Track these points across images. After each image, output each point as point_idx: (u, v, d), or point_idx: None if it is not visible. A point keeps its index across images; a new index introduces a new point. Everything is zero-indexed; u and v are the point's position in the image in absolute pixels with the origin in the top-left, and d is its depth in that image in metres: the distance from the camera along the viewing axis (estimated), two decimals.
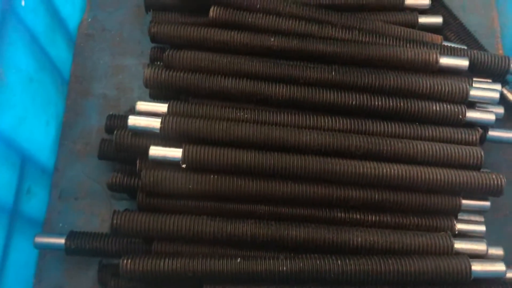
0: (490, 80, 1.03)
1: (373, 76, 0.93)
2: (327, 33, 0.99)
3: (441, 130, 0.92)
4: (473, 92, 0.95)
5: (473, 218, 0.94)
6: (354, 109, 0.91)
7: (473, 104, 0.97)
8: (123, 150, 0.90)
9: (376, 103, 0.91)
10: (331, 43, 0.96)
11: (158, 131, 0.85)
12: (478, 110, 0.95)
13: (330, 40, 0.97)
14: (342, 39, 0.98)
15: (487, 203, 0.92)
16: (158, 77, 0.91)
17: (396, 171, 0.85)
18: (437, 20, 1.12)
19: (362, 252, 0.82)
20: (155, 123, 0.86)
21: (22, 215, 0.92)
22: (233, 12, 0.98)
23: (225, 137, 0.84)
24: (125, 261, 0.79)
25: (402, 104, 0.91)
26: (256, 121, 0.88)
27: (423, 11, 1.12)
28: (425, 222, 0.88)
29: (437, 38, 1.06)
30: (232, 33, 0.96)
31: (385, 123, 0.91)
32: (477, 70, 1.02)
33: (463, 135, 0.92)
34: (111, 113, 1.02)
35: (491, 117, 0.94)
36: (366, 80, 0.92)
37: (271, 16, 0.98)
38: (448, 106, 0.93)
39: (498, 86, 1.00)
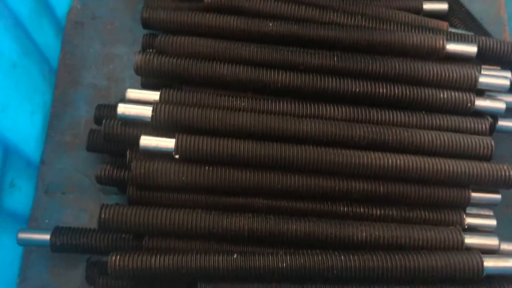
0: (498, 67, 1.00)
1: (378, 62, 0.90)
2: (328, 18, 0.96)
3: (449, 118, 0.89)
4: (482, 79, 0.92)
5: (482, 212, 0.90)
6: (357, 97, 0.88)
7: (482, 92, 0.94)
8: (112, 141, 0.88)
9: (381, 90, 0.88)
10: (332, 28, 0.93)
11: (149, 119, 0.82)
12: (488, 98, 0.92)
13: (332, 25, 0.94)
14: (344, 24, 0.95)
15: (497, 196, 0.89)
16: (150, 64, 0.88)
17: (402, 162, 0.82)
18: (443, 6, 1.09)
19: (367, 248, 0.79)
20: (146, 112, 0.83)
21: (4, 210, 0.88)
22: None
23: (221, 126, 0.82)
24: (113, 258, 0.76)
25: (408, 92, 0.89)
26: (254, 110, 0.86)
27: None
28: (433, 216, 0.85)
29: (443, 24, 1.03)
30: (228, 18, 0.93)
31: (390, 111, 0.88)
32: (485, 57, 0.99)
33: (472, 124, 0.89)
34: (100, 103, 0.98)
35: (501, 105, 0.91)
36: (370, 67, 0.89)
37: (269, 0, 0.95)
38: (456, 93, 0.90)
39: (508, 74, 0.97)
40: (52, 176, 0.99)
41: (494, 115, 0.93)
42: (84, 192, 0.98)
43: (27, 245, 0.90)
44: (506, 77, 0.93)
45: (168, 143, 0.81)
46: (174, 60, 0.88)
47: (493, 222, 0.87)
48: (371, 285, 0.76)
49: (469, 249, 0.80)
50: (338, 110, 0.87)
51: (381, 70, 0.89)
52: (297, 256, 0.75)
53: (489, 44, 0.98)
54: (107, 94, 1.07)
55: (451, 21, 1.09)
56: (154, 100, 0.86)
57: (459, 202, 0.85)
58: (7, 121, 0.88)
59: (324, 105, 0.87)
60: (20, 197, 0.93)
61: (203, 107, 0.84)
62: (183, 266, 0.75)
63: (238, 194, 0.83)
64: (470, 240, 0.81)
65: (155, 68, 0.88)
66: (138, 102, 0.86)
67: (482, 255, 0.77)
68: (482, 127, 0.89)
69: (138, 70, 0.89)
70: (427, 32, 0.96)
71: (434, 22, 1.02)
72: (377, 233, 0.79)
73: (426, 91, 0.89)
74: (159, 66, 0.88)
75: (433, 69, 0.90)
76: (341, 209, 0.84)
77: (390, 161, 0.82)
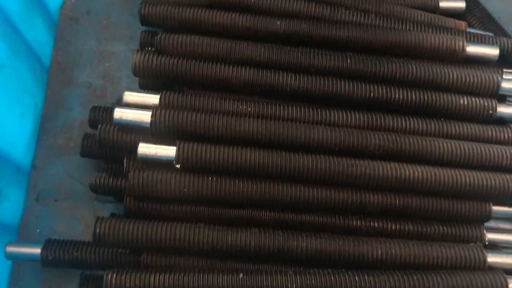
0: None
1: (393, 65, 0.86)
2: (340, 17, 0.91)
3: (469, 126, 0.86)
4: (504, 85, 0.88)
5: (502, 226, 0.87)
6: (372, 103, 0.85)
7: (503, 98, 0.90)
8: (108, 147, 0.85)
9: (397, 95, 0.84)
10: (344, 27, 0.89)
11: (148, 125, 0.79)
12: (510, 105, 0.89)
13: (344, 25, 0.89)
14: (357, 23, 0.91)
15: None
16: (149, 64, 0.85)
17: (420, 174, 0.79)
18: (460, 4, 1.05)
19: (382, 267, 0.75)
20: (144, 117, 0.80)
21: None
22: None
23: (226, 133, 0.79)
24: (109, 276, 0.72)
25: (426, 97, 0.85)
26: (261, 115, 0.82)
27: None
28: (451, 231, 0.81)
29: (461, 24, 0.99)
30: (234, 15, 0.89)
31: (407, 118, 0.85)
32: (507, 59, 0.95)
33: (494, 133, 0.86)
34: (96, 104, 0.95)
35: None
36: (386, 69, 0.86)
37: None
38: (477, 99, 0.86)
39: None
40: (44, 183, 0.96)
41: None
42: (78, 199, 0.95)
43: (16, 259, 0.85)
44: None
45: (168, 151, 0.78)
46: (175, 61, 0.84)
47: None
48: None
49: (492, 268, 0.76)
50: (351, 116, 0.83)
51: (398, 74, 0.85)
52: (307, 276, 0.72)
53: (511, 46, 0.93)
54: (103, 94, 1.04)
55: (468, 21, 1.04)
56: (153, 104, 0.82)
57: (479, 217, 0.82)
58: None
59: (336, 111, 0.84)
60: (9, 206, 0.89)
61: (207, 112, 0.80)
62: (184, 286, 0.71)
63: (244, 207, 0.80)
64: (493, 258, 0.77)
65: (154, 69, 0.85)
66: (136, 106, 0.82)
67: (506, 276, 0.73)
68: (504, 136, 0.85)
69: (137, 71, 0.86)
70: (446, 33, 0.92)
71: (452, 22, 0.98)
72: (393, 251, 0.75)
73: (445, 96, 0.85)
74: (158, 66, 0.84)
75: (452, 73, 0.86)
76: (354, 223, 0.80)
77: (407, 172, 0.78)
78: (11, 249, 0.82)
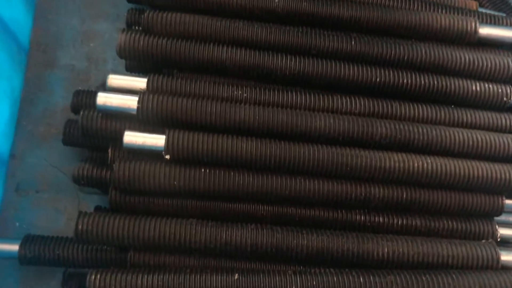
0: None
1: (401, 47, 0.82)
2: None
3: (482, 115, 0.83)
4: None
5: None
6: (378, 88, 0.81)
7: None
8: (91, 135, 0.80)
9: (405, 80, 0.81)
10: (348, 6, 0.84)
11: (135, 112, 0.75)
12: None
13: (348, 3, 0.85)
14: (362, 1, 0.87)
15: None
16: (135, 44, 0.80)
17: (428, 165, 0.76)
18: None
19: (389, 266, 0.72)
20: (131, 102, 0.76)
21: None
22: None
23: (219, 121, 0.75)
24: (93, 276, 0.68)
25: (435, 83, 0.81)
26: (257, 102, 0.79)
27: None
28: (461, 226, 0.79)
29: (472, 4, 0.95)
30: None
31: (416, 105, 0.81)
32: None
33: (509, 121, 0.83)
34: (79, 88, 0.91)
35: None
36: (393, 52, 0.82)
37: None
38: (491, 86, 0.83)
39: None
40: (24, 172, 0.93)
41: None
42: (60, 190, 0.92)
43: None
44: None
45: (157, 140, 0.75)
46: (164, 41, 0.80)
47: None
48: None
49: (506, 268, 0.73)
50: (355, 103, 0.80)
51: (406, 57, 0.82)
52: (308, 276, 0.69)
53: None
54: (87, 77, 1.00)
55: (478, 0, 0.99)
56: (140, 88, 0.78)
57: (491, 211, 0.79)
58: None
59: (339, 97, 0.80)
60: None
61: (198, 98, 0.77)
62: (174, 287, 0.67)
63: (239, 201, 0.77)
64: (507, 257, 0.74)
65: (141, 50, 0.80)
66: (122, 91, 0.78)
67: None
68: None
69: (122, 52, 0.81)
70: (456, 13, 0.88)
71: (462, 1, 0.94)
72: (400, 249, 0.72)
73: (456, 82, 0.82)
74: (146, 47, 0.80)
75: (464, 57, 0.82)
76: (358, 218, 0.78)
77: (415, 164, 0.75)
78: None
